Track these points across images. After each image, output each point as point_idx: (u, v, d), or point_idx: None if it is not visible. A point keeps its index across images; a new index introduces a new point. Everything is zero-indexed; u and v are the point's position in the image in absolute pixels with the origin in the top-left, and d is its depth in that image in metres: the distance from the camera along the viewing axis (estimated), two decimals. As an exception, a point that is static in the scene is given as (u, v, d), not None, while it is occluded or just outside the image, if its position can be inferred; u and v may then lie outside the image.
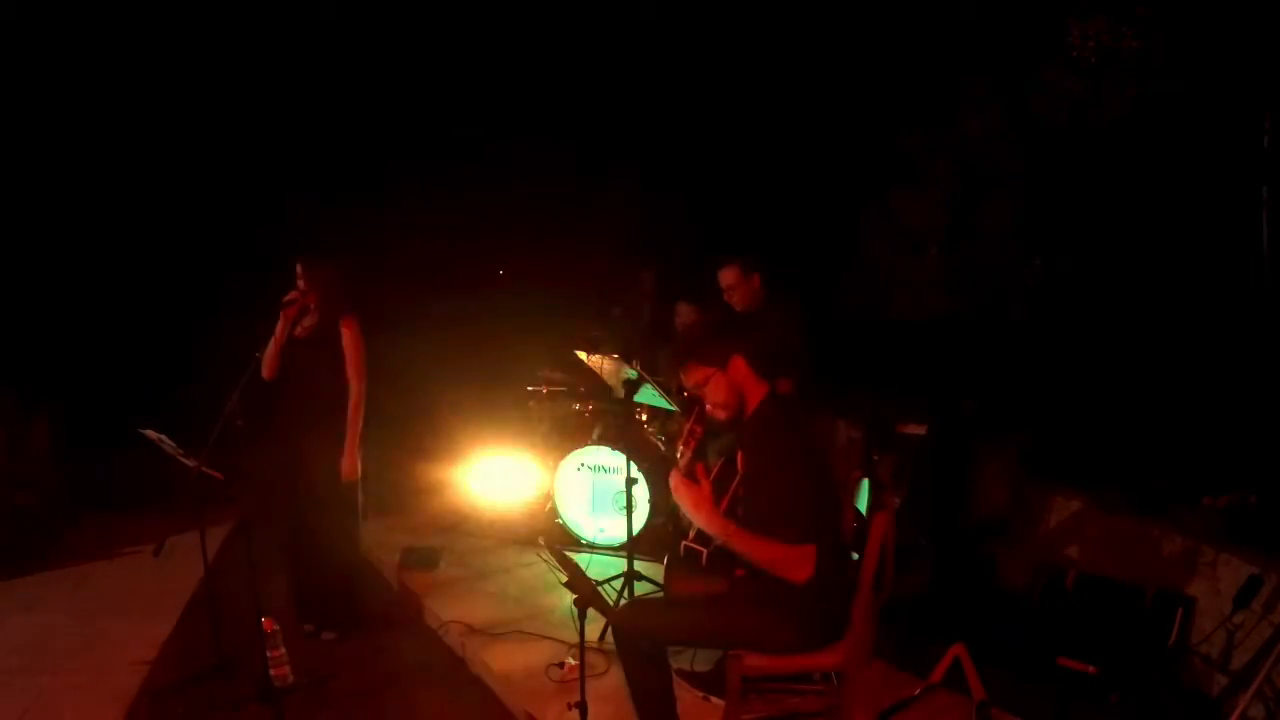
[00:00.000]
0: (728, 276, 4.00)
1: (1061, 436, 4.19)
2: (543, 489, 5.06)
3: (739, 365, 2.58)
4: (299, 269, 3.74)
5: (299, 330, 3.78)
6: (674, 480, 2.52)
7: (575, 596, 2.53)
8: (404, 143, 6.91)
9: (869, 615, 2.51)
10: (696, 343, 2.64)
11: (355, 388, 3.75)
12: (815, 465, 2.53)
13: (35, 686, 3.47)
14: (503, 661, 3.63)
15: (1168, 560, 3.47)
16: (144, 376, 6.02)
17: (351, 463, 3.76)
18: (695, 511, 2.47)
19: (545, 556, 4.52)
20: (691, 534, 3.17)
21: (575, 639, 2.74)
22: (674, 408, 4.35)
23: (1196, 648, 3.27)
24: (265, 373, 3.71)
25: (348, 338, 3.73)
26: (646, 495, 4.52)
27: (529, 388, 5.46)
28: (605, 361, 4.27)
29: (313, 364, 3.72)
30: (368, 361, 3.79)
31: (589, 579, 2.64)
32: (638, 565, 4.04)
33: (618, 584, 4.02)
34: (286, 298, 3.71)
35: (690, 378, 2.61)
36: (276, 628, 3.48)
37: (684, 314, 4.92)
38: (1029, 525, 4.09)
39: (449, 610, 4.11)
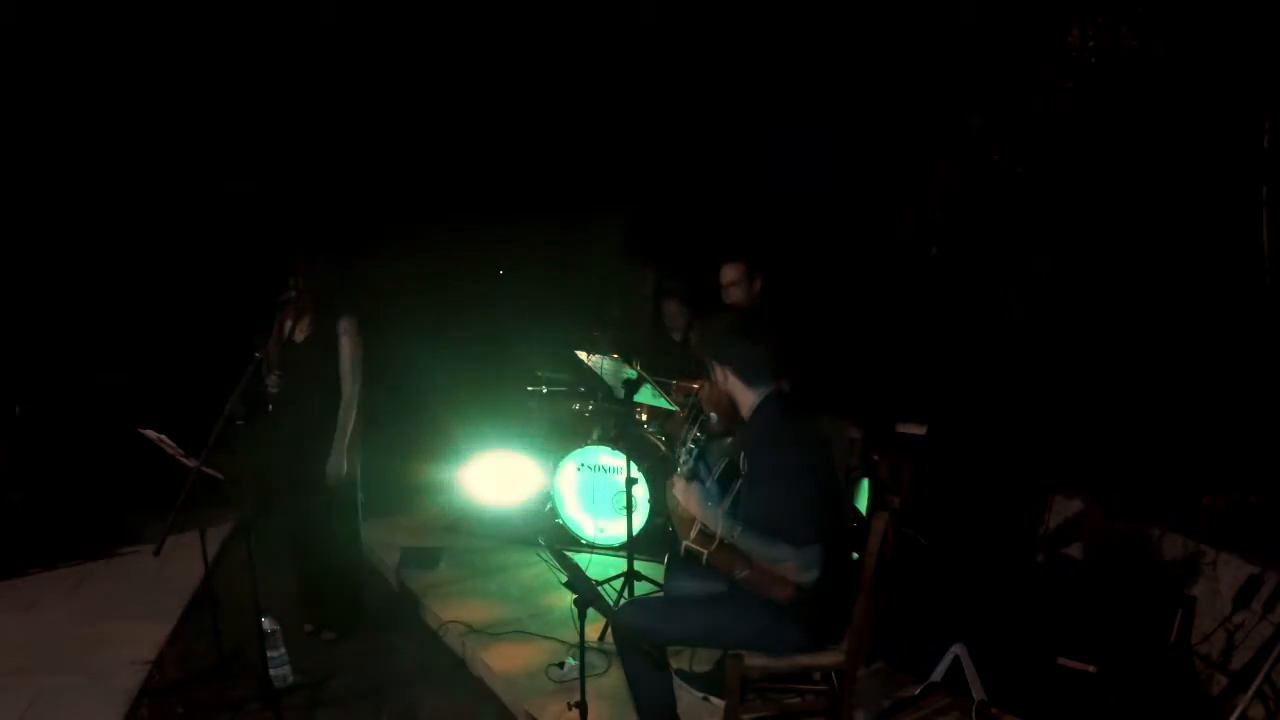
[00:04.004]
0: (732, 272, 4.00)
1: (1062, 436, 4.19)
2: (543, 489, 5.06)
3: (725, 374, 2.60)
4: (295, 269, 3.73)
5: (298, 332, 3.77)
6: (679, 485, 2.52)
7: (575, 596, 2.53)
8: (403, 142, 6.91)
9: (869, 615, 2.51)
10: (685, 357, 2.68)
11: (346, 389, 3.73)
12: (815, 466, 2.53)
13: (35, 686, 3.47)
14: (503, 661, 3.63)
15: (1168, 560, 3.47)
16: (143, 376, 6.02)
17: (337, 461, 3.71)
18: (703, 513, 2.47)
19: (545, 556, 4.56)
20: (693, 534, 3.17)
21: (575, 639, 2.75)
22: (674, 408, 4.35)
23: (1196, 648, 3.27)
24: (268, 373, 3.71)
25: (346, 338, 3.72)
26: (646, 495, 4.52)
27: (529, 388, 5.46)
28: (605, 361, 4.27)
29: (311, 365, 3.72)
30: (367, 362, 3.78)
31: (589, 579, 2.64)
32: (638, 565, 4.05)
33: (618, 584, 4.03)
34: (281, 298, 3.71)
35: (682, 390, 2.65)
36: (276, 628, 3.49)
37: (671, 312, 4.95)
38: (1029, 525, 4.09)
39: (449, 610, 4.11)
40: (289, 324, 3.77)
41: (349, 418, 3.73)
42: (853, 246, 5.41)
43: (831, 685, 2.75)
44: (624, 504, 3.95)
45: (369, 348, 3.81)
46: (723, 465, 3.09)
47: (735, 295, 4.04)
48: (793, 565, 2.36)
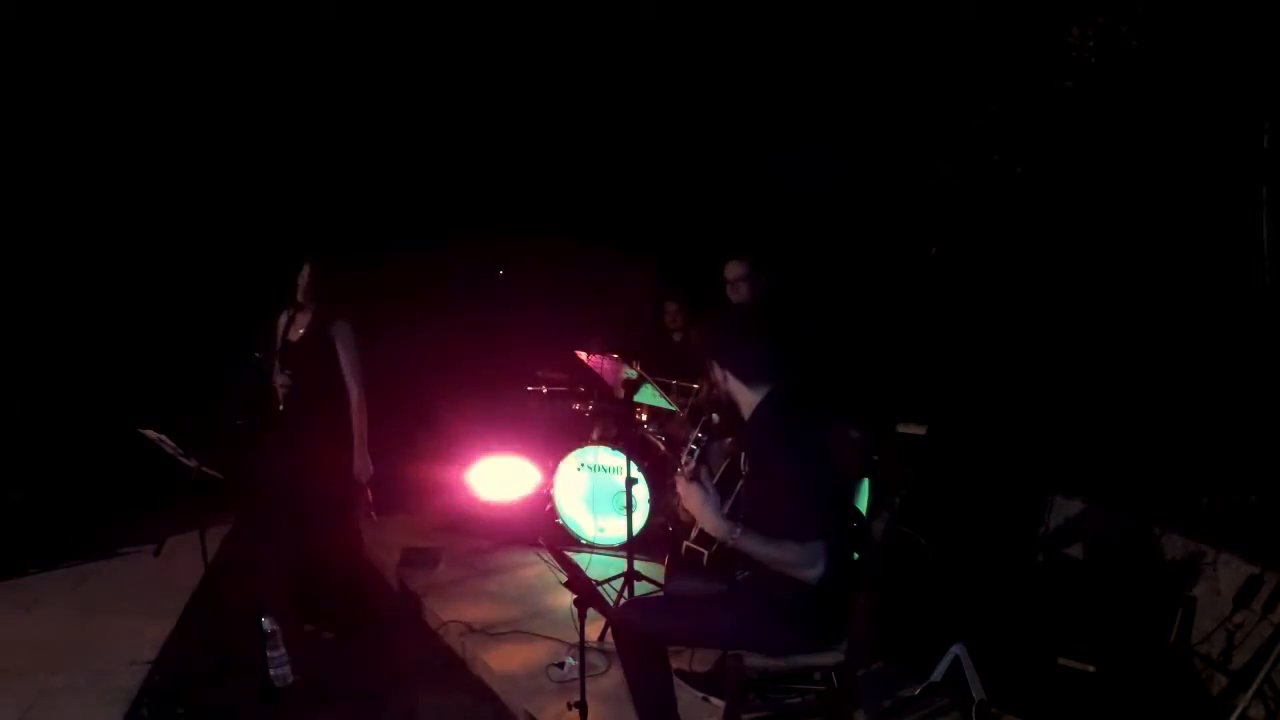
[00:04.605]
0: (738, 268, 4.01)
1: (1062, 436, 4.19)
2: (543, 489, 5.07)
3: (725, 374, 2.60)
4: (298, 269, 3.73)
5: (293, 331, 3.77)
6: (680, 484, 2.52)
7: (575, 596, 2.53)
8: (403, 141, 6.91)
9: (869, 615, 2.51)
10: (685, 357, 2.68)
11: (354, 388, 3.74)
12: (816, 465, 2.53)
13: (35, 686, 3.47)
14: (503, 661, 3.63)
15: (1168, 560, 3.47)
16: (143, 376, 6.02)
17: (363, 463, 3.77)
18: (703, 515, 2.47)
19: (545, 556, 4.56)
20: (693, 534, 3.17)
21: (575, 639, 2.75)
22: (674, 408, 4.36)
23: (1196, 648, 3.27)
24: (276, 374, 3.71)
25: (343, 337, 3.71)
26: (646, 495, 4.52)
27: (529, 388, 5.46)
28: (605, 361, 4.27)
29: (308, 364, 3.71)
30: (366, 360, 3.78)
31: (589, 579, 2.64)
32: (638, 565, 4.05)
33: (618, 584, 4.03)
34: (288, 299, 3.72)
35: (682, 390, 2.65)
36: (276, 628, 3.48)
37: (671, 312, 4.97)
38: (1029, 525, 4.09)
39: (449, 610, 4.11)
40: (284, 322, 3.78)
41: (362, 419, 3.76)
42: (853, 246, 5.41)
43: (831, 685, 2.75)
44: (624, 504, 3.95)
45: (368, 347, 3.81)
46: (724, 466, 3.09)
47: (739, 292, 4.04)
48: (797, 562, 2.35)
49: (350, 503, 3.89)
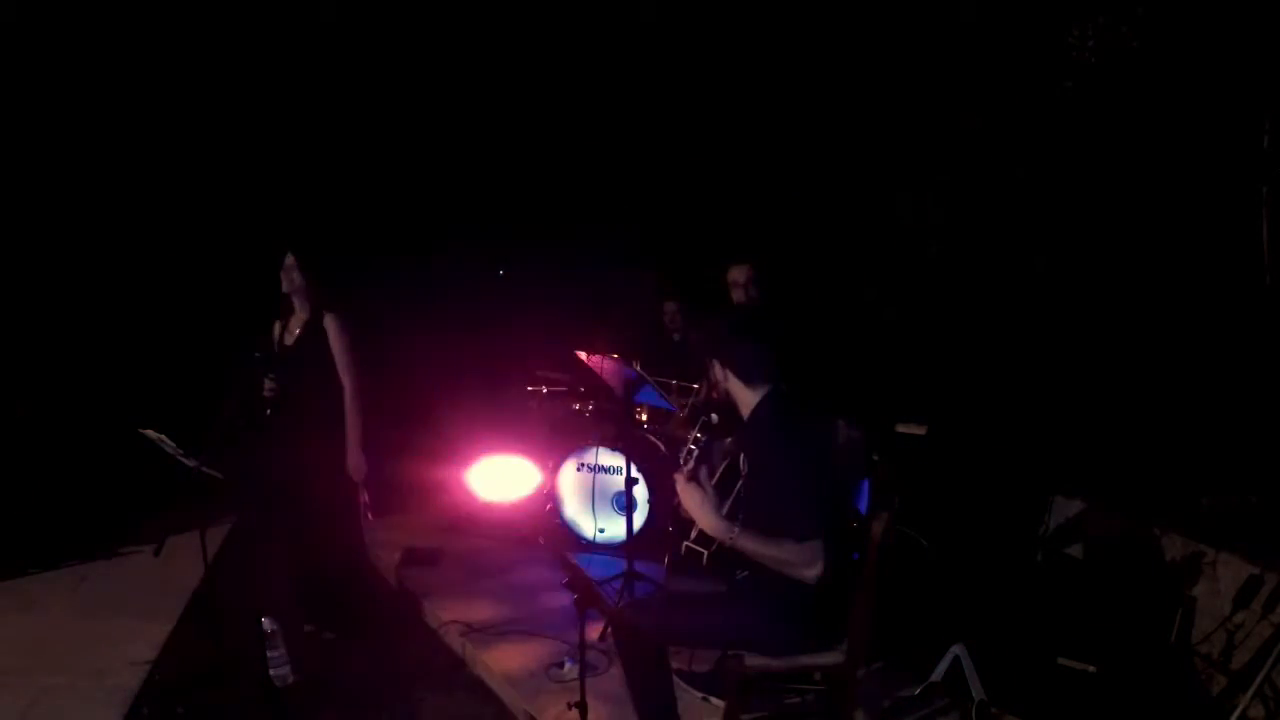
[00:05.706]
0: (742, 272, 4.02)
1: (1062, 437, 4.19)
2: (543, 489, 5.06)
3: (725, 373, 2.61)
4: (283, 269, 3.71)
5: (287, 335, 3.76)
6: (679, 484, 2.52)
7: (575, 596, 2.53)
8: (404, 142, 6.91)
9: (869, 615, 2.51)
10: (685, 357, 2.68)
11: (348, 384, 3.68)
12: (815, 464, 2.53)
13: (35, 686, 3.47)
14: (503, 661, 3.63)
15: (1168, 560, 3.47)
16: (144, 376, 6.02)
17: (357, 461, 3.72)
18: (701, 514, 2.47)
19: (546, 556, 4.56)
20: (693, 535, 3.17)
21: (575, 639, 2.75)
22: (674, 407, 4.36)
23: (1196, 648, 3.27)
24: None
25: (333, 332, 3.68)
26: (646, 495, 4.52)
27: (529, 388, 5.46)
28: (605, 361, 4.27)
29: (301, 365, 3.69)
30: (364, 359, 3.76)
31: (589, 579, 2.64)
32: (638, 565, 4.04)
33: (617, 584, 4.02)
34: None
35: (682, 390, 2.65)
36: (276, 628, 3.48)
37: (670, 313, 4.98)
38: (1029, 525, 4.09)
39: (449, 610, 4.11)
40: (278, 328, 3.76)
41: (356, 414, 3.69)
42: (853, 246, 5.41)
43: (832, 685, 2.74)
44: (624, 504, 3.95)
45: (367, 346, 3.79)
46: (724, 466, 3.09)
47: (743, 294, 4.05)
48: (796, 561, 2.36)
49: (349, 503, 3.87)
